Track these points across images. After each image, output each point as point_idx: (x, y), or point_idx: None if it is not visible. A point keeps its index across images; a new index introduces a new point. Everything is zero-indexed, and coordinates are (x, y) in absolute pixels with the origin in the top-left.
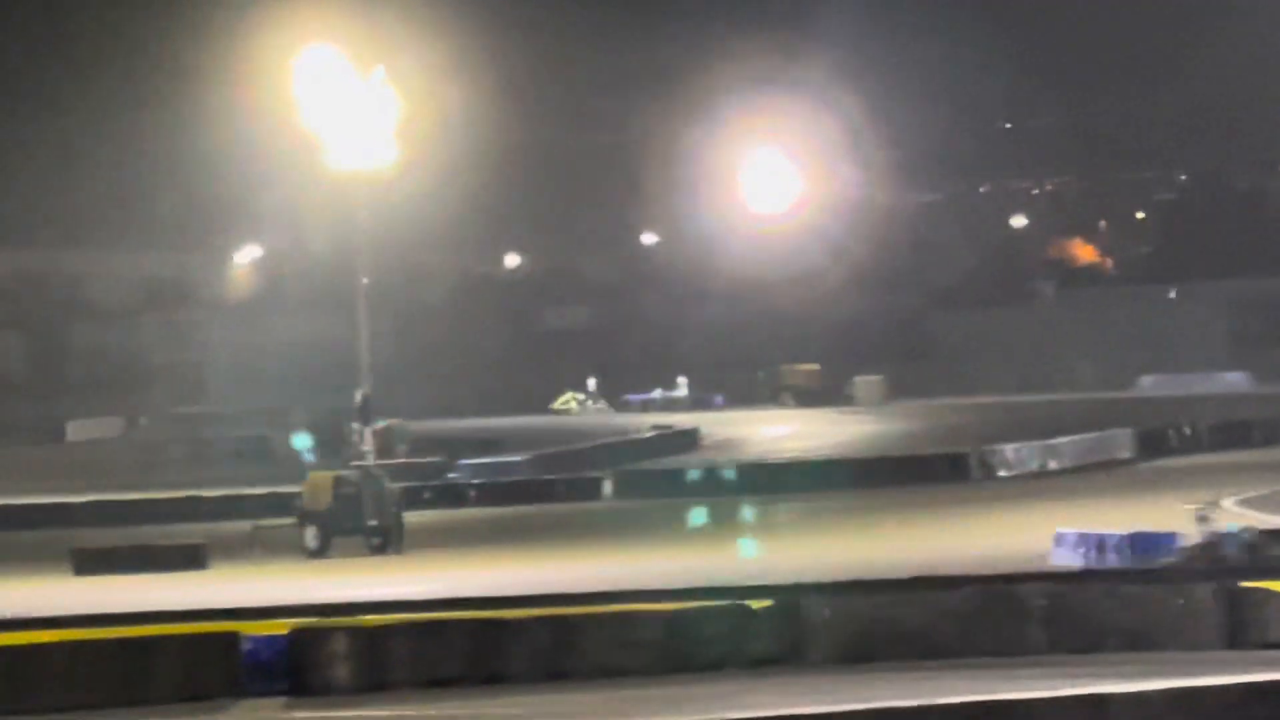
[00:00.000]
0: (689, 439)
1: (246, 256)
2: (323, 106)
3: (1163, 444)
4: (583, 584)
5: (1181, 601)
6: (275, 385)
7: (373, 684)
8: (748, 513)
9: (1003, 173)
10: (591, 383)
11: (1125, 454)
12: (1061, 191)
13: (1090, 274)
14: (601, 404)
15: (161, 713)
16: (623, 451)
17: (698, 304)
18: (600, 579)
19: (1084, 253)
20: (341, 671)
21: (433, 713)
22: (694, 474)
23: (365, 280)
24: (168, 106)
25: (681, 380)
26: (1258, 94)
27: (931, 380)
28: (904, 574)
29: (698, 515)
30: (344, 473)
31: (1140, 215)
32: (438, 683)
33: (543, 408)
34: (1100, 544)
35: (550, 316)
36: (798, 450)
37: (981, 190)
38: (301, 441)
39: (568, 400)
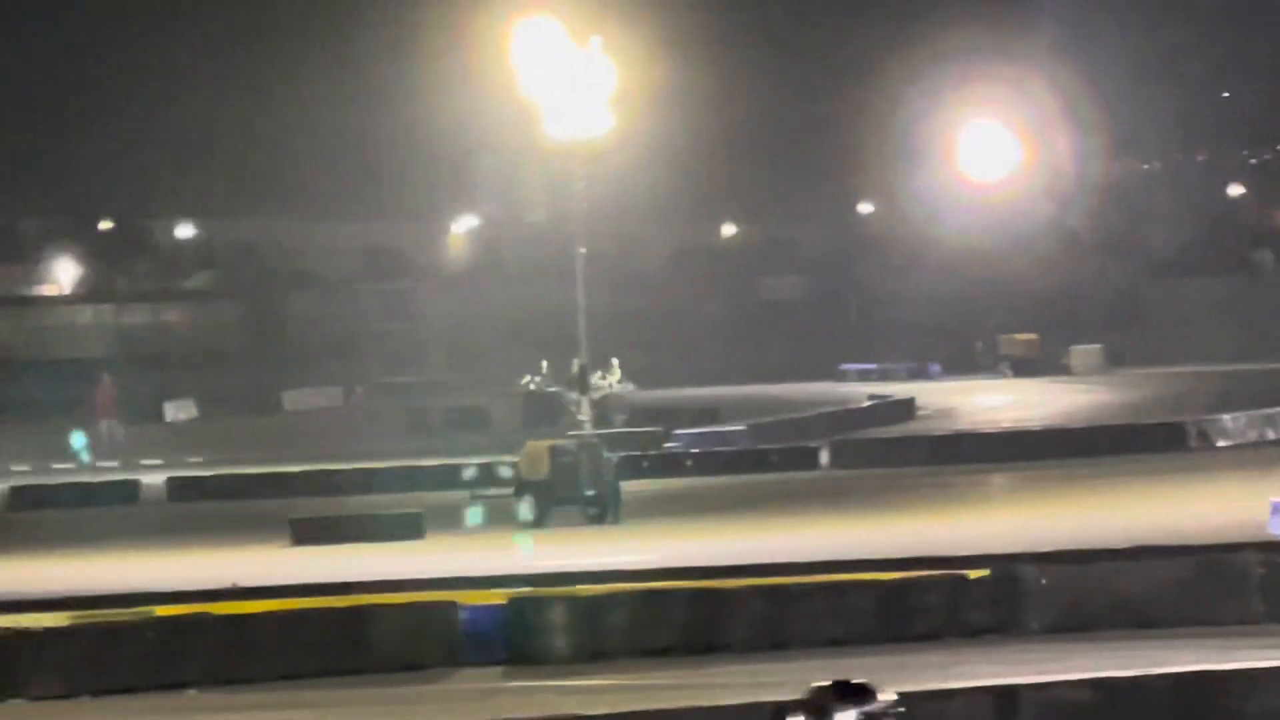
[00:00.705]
0: (906, 408)
1: (463, 226)
2: (540, 76)
3: None
4: (799, 554)
5: None
6: (492, 354)
7: (590, 653)
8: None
9: (1220, 142)
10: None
11: None
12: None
13: None
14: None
15: (379, 682)
16: (840, 421)
17: (914, 273)
18: (816, 548)
19: None
20: (559, 641)
21: (650, 682)
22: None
23: (582, 250)
24: (386, 77)
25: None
26: None
27: (1149, 349)
28: (1121, 543)
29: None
30: (561, 442)
31: None
32: (655, 652)
33: (761, 378)
34: None
35: (766, 286)
36: (1014, 420)
37: (1199, 159)
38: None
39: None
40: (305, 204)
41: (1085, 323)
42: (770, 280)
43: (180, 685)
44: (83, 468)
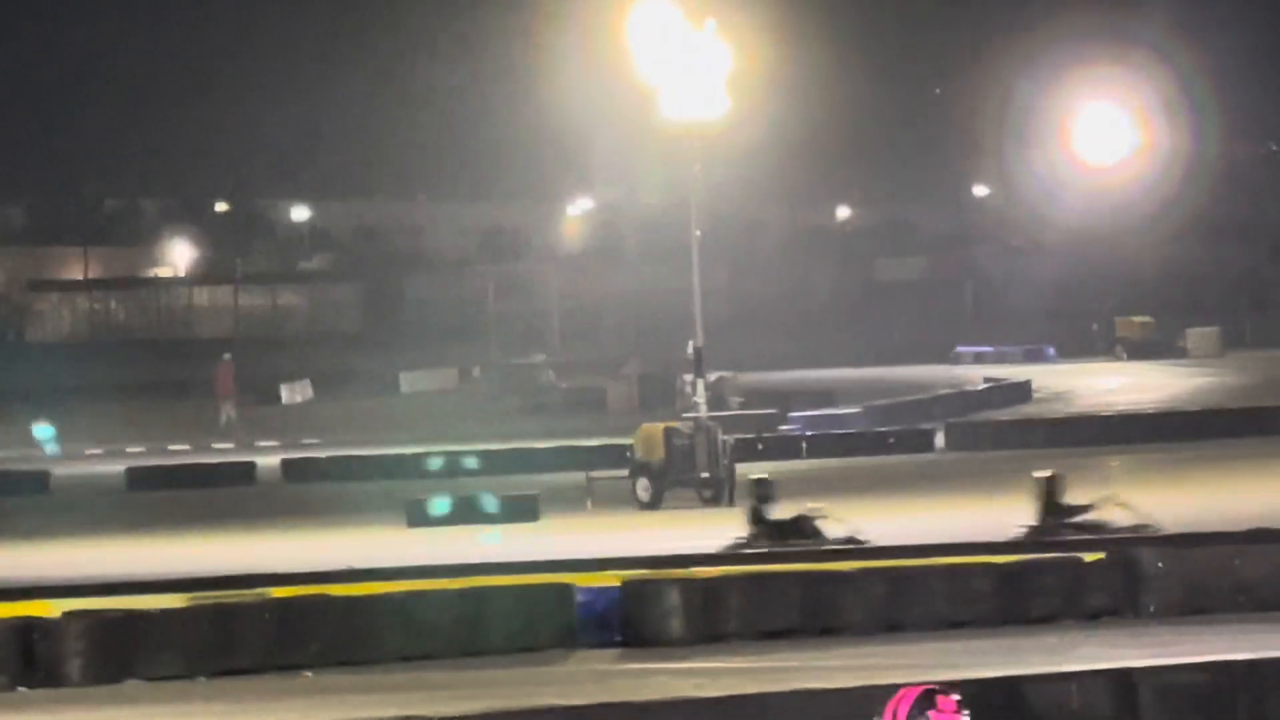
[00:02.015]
0: (1021, 391)
1: (580, 208)
2: (656, 59)
3: None
4: (914, 536)
5: None
6: (610, 336)
7: (706, 635)
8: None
9: None
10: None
11: None
12: None
13: None
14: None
15: (496, 663)
16: (955, 403)
17: (1030, 256)
18: (932, 531)
19: None
20: (675, 623)
21: (767, 664)
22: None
23: (698, 232)
24: (502, 59)
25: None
26: None
27: (1268, 332)
28: (1239, 526)
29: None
30: (676, 424)
31: None
32: (771, 634)
33: (877, 360)
34: None
35: (882, 268)
36: (1130, 403)
37: None
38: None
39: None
40: (422, 186)
41: (1203, 305)
42: (887, 262)
43: (297, 667)
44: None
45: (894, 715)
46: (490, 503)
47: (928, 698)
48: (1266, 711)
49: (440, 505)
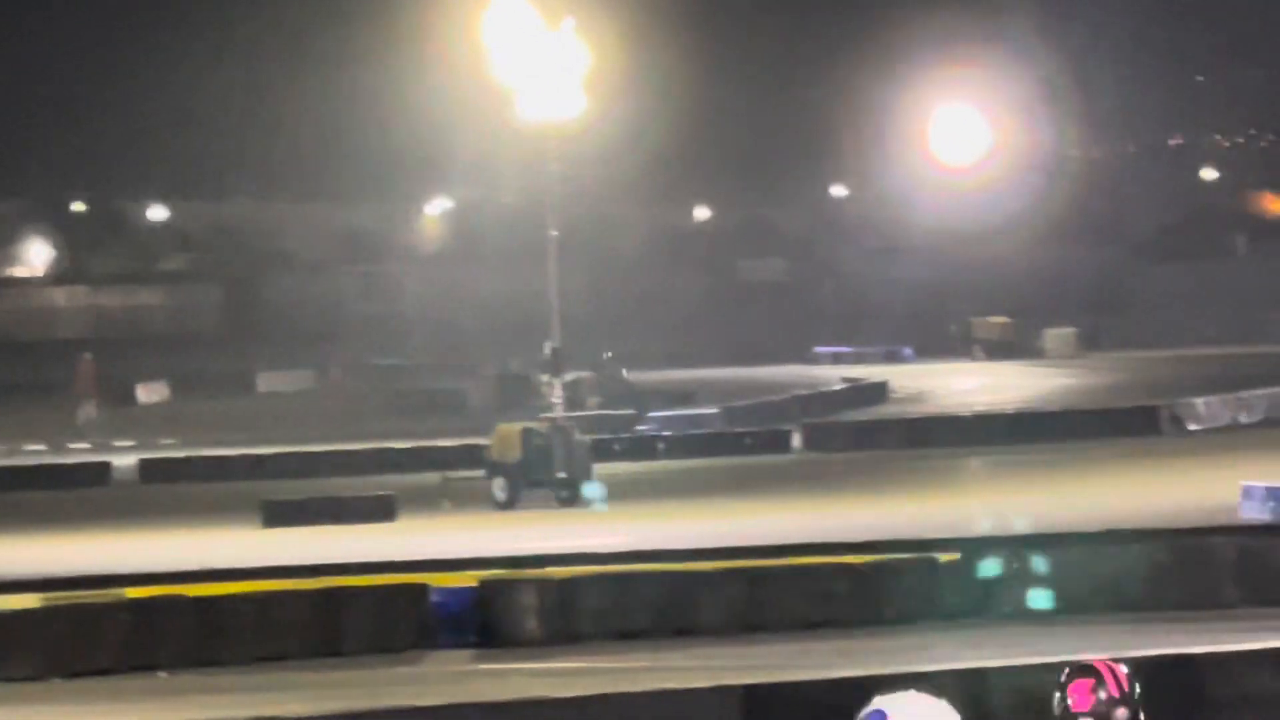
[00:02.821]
0: (879, 392)
1: (437, 208)
2: (513, 58)
3: None
4: (772, 536)
5: None
6: (468, 337)
7: (562, 636)
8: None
9: (1194, 125)
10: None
11: None
12: (1253, 144)
13: None
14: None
15: (353, 664)
16: (813, 404)
17: (889, 256)
18: (789, 531)
19: (1276, 206)
20: (531, 623)
21: (622, 665)
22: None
23: (555, 233)
24: (360, 59)
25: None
26: None
27: (1124, 333)
28: (1093, 527)
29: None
30: (534, 425)
31: None
32: (627, 635)
33: (736, 361)
34: None
35: (743, 268)
36: (987, 403)
37: (1172, 143)
38: None
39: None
40: (282, 186)
41: (1061, 306)
42: (747, 262)
43: (152, 667)
44: None
45: (1118, 683)
46: (348, 502)
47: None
48: None
49: (299, 505)
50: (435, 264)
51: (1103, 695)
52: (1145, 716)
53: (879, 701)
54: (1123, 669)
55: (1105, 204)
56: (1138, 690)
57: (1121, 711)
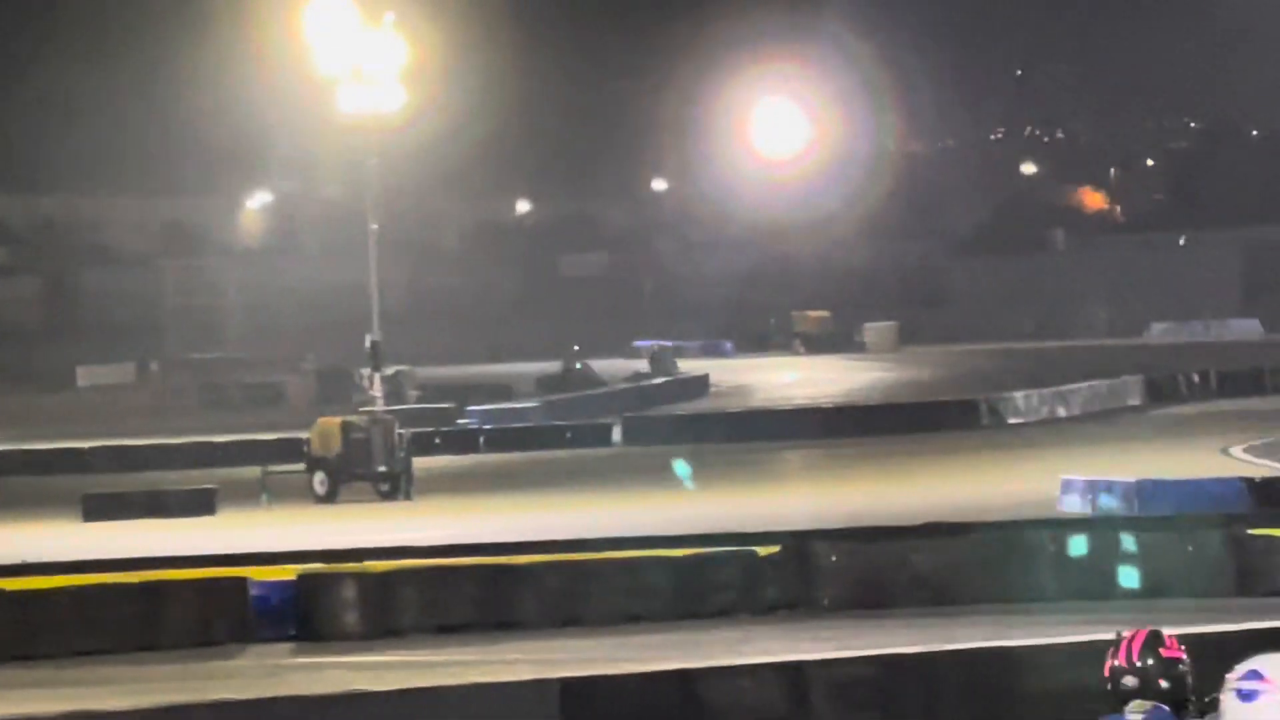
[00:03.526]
0: (699, 385)
1: (258, 202)
2: (333, 53)
3: (1173, 391)
4: (592, 530)
5: (1190, 549)
6: (289, 331)
7: (382, 630)
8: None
9: (1014, 120)
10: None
11: (1135, 401)
12: (1072, 139)
13: (1100, 221)
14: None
15: (172, 658)
16: (633, 398)
17: (711, 250)
18: (610, 525)
19: (1094, 200)
20: (350, 617)
21: (442, 658)
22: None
23: (376, 226)
24: (182, 52)
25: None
26: (1270, 39)
27: (944, 327)
28: (912, 520)
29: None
30: (353, 418)
31: (1150, 163)
32: (447, 629)
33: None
34: (1108, 491)
35: (566, 263)
36: (807, 397)
37: (993, 137)
38: None
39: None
40: (103, 180)
41: (881, 300)
42: (568, 257)
43: None
44: None
45: (1128, 652)
46: (169, 496)
47: (1156, 637)
48: (938, 703)
49: (119, 499)
50: (256, 258)
51: (1114, 662)
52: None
53: (1255, 661)
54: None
55: (924, 198)
56: (1157, 662)
57: (1129, 679)
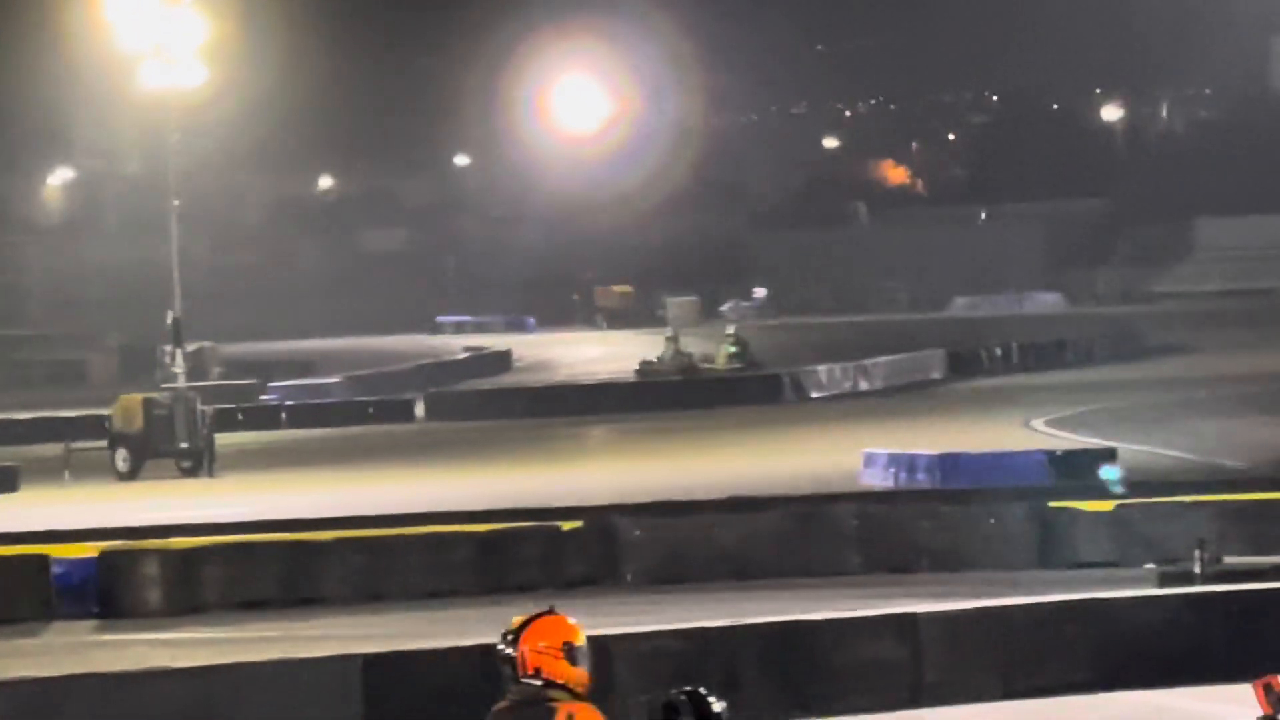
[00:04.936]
0: (502, 361)
1: (59, 179)
2: (134, 29)
3: (975, 364)
4: (396, 505)
5: (993, 521)
6: (91, 308)
7: (185, 606)
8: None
9: (816, 95)
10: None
11: (937, 374)
12: (874, 113)
13: (902, 196)
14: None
15: None
16: (436, 373)
17: (513, 226)
18: (413, 501)
19: (896, 175)
20: (153, 594)
21: (245, 635)
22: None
23: (177, 202)
24: None
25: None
26: (1069, 13)
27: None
28: (716, 495)
29: None
30: (155, 395)
31: (951, 137)
32: (251, 605)
33: (359, 331)
34: (911, 464)
35: (367, 239)
36: (610, 372)
37: (794, 112)
38: None
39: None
40: None
41: (685, 275)
42: (370, 233)
43: None
44: None
45: (1264, 690)
46: None
47: None
48: (738, 673)
49: None
50: (57, 235)
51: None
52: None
53: None
54: None
55: (727, 172)
56: None
57: None
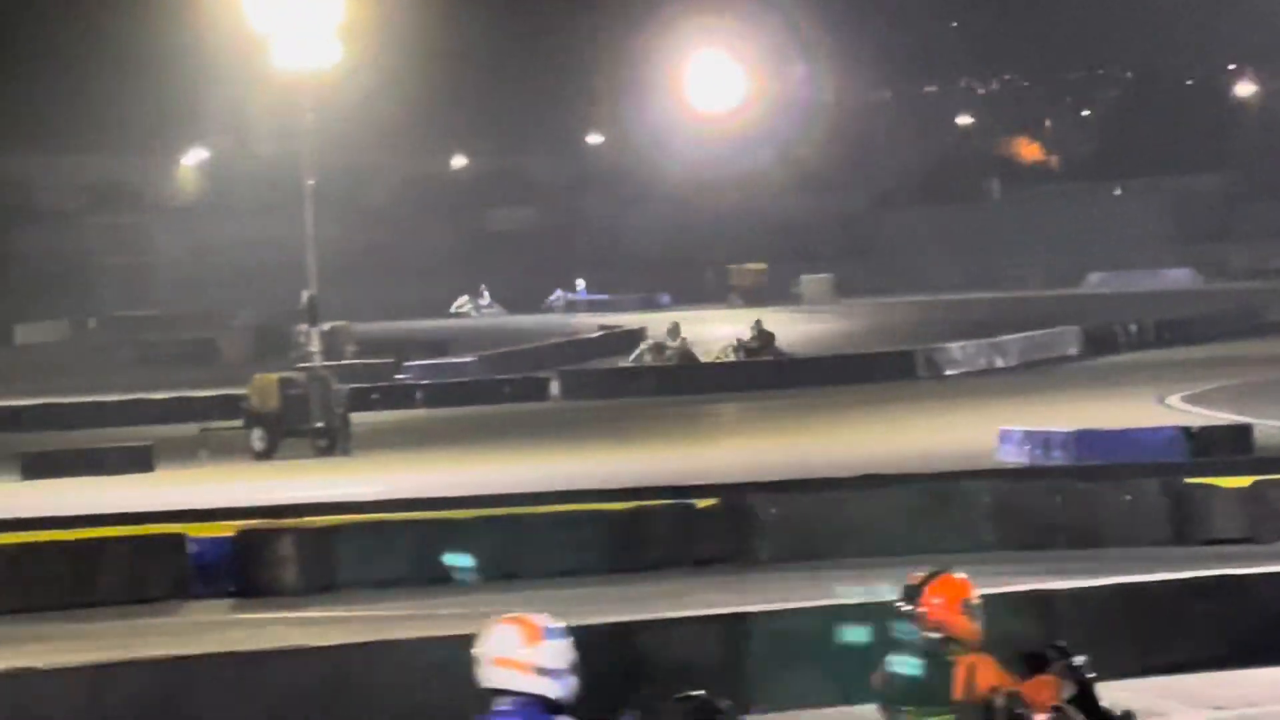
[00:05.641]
0: (636, 339)
1: (193, 159)
2: (268, 7)
3: (1109, 341)
4: (530, 484)
5: (1128, 498)
6: (222, 288)
7: (320, 585)
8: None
9: (949, 71)
10: (483, 288)
11: (1072, 351)
12: (1007, 90)
13: (1035, 172)
14: (495, 308)
15: (109, 614)
16: (570, 351)
17: (643, 204)
18: (547, 479)
19: (1029, 151)
20: (288, 573)
21: (380, 613)
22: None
23: (311, 182)
24: (114, 8)
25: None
26: None
27: (879, 279)
28: (850, 472)
29: None
30: (290, 374)
31: (1085, 113)
32: (385, 583)
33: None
34: (1046, 441)
35: (496, 217)
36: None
37: (928, 89)
38: None
39: (463, 304)
40: (32, 137)
41: (816, 252)
42: (496, 212)
43: None
44: None
45: None
46: (106, 454)
47: None
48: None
49: (56, 457)
50: (190, 215)
51: None
52: None
53: None
54: None
55: (859, 151)
56: None
57: None
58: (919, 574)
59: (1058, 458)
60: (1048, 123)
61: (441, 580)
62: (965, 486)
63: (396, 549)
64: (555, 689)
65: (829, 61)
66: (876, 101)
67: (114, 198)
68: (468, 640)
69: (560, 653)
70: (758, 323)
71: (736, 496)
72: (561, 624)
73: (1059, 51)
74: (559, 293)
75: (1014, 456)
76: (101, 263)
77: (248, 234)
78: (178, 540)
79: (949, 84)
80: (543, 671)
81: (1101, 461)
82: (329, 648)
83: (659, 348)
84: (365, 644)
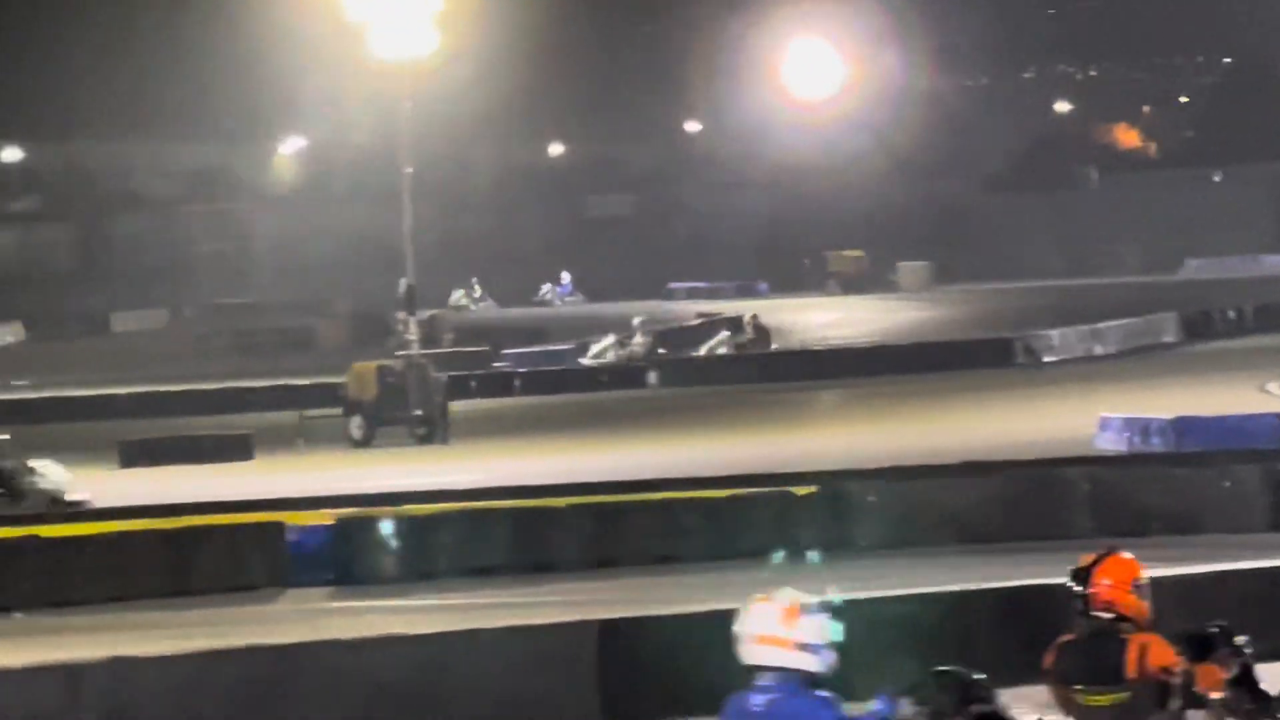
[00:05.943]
0: (734, 326)
1: (291, 147)
2: None
3: (1208, 327)
4: (627, 472)
5: (1227, 484)
6: (320, 276)
7: (418, 573)
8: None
9: (1046, 57)
10: (475, 281)
11: (1170, 338)
12: (1104, 76)
13: (1134, 159)
14: (488, 301)
15: (208, 602)
16: (669, 338)
17: (740, 191)
18: (644, 467)
19: (1127, 138)
20: (387, 561)
21: (478, 601)
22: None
23: (409, 170)
24: None
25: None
26: None
27: (976, 266)
28: (949, 459)
29: None
30: (389, 362)
31: (1183, 99)
32: (482, 571)
33: (589, 297)
34: (1145, 428)
35: (594, 205)
36: (842, 337)
37: (1025, 75)
38: None
39: (460, 298)
40: (132, 126)
41: (912, 239)
42: (596, 199)
43: (6, 609)
44: None
45: None
46: (205, 442)
47: None
48: (974, 640)
49: (155, 445)
50: (288, 203)
51: None
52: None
53: None
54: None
55: (956, 137)
56: None
57: None
58: (1088, 555)
59: (1156, 445)
60: (1146, 109)
61: (539, 568)
62: (1062, 473)
63: (494, 537)
64: (816, 663)
65: (926, 48)
66: (974, 88)
67: (212, 186)
68: (567, 628)
69: (819, 628)
70: (754, 316)
71: (835, 483)
72: (816, 600)
73: (1157, 38)
74: (549, 286)
75: (1113, 444)
76: (200, 251)
77: (345, 223)
78: (276, 529)
79: (1046, 70)
80: (804, 647)
81: (1201, 448)
82: (428, 635)
83: (622, 343)
84: (464, 631)
